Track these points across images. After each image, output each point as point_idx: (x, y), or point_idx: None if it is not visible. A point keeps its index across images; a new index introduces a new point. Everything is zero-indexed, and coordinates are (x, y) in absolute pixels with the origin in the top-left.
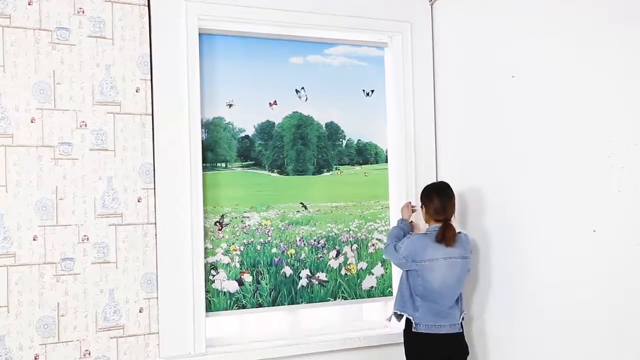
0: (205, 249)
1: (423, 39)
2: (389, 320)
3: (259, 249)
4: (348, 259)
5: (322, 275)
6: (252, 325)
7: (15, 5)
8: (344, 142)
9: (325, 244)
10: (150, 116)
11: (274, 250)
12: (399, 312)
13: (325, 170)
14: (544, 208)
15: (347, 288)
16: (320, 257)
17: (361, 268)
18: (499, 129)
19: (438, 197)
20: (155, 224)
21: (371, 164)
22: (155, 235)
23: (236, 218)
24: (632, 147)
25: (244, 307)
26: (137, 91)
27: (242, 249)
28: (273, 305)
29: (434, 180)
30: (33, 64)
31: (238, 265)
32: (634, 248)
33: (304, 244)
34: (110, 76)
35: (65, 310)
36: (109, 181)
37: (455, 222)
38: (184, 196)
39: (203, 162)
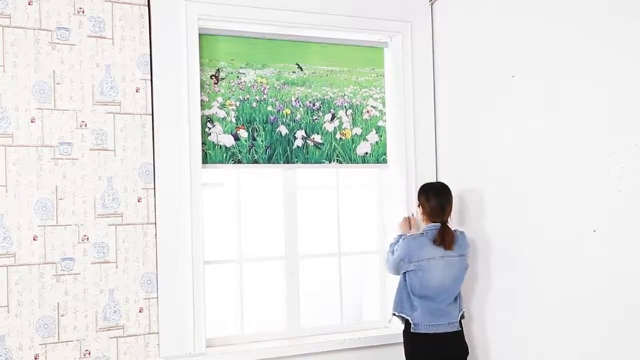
0: (202, 101)
1: (423, 39)
2: (390, 322)
3: (254, 105)
4: (343, 123)
5: (317, 137)
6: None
7: (15, 5)
8: None
9: (320, 107)
10: (150, 116)
11: (269, 108)
12: (397, 314)
13: None
14: (544, 208)
15: (342, 152)
16: (316, 119)
17: (356, 134)
18: (499, 129)
19: (436, 198)
20: (155, 224)
21: None
22: (155, 235)
23: (232, 73)
24: (632, 147)
25: (239, 162)
26: (137, 91)
27: (237, 105)
28: (269, 162)
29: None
30: (33, 64)
31: (234, 120)
32: (634, 248)
33: (300, 105)
34: (110, 76)
35: (65, 310)
36: (108, 181)
37: (454, 222)
38: (184, 196)
39: None
